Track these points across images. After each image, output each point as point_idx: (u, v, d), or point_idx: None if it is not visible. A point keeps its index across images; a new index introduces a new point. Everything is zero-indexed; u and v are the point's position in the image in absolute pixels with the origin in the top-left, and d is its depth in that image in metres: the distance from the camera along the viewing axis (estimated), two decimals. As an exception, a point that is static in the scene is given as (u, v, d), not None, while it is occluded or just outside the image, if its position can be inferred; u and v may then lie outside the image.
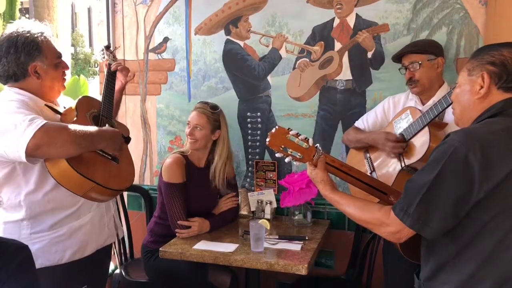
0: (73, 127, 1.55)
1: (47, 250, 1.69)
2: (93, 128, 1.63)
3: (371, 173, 2.19)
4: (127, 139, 1.91)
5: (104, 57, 2.11)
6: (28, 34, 1.65)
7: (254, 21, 2.73)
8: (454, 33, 2.41)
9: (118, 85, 2.08)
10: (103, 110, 1.86)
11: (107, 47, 2.14)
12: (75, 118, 1.70)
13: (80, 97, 1.84)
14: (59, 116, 1.73)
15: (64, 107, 1.82)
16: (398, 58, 2.20)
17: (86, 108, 1.80)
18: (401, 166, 2.01)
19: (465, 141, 1.19)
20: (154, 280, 2.47)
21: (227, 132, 2.51)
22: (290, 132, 1.50)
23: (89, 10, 18.50)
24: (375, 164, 2.19)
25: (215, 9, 2.78)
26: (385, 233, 1.32)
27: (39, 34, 1.68)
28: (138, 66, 2.98)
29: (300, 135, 1.51)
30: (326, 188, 1.50)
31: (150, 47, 2.95)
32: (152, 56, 2.96)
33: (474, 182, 1.17)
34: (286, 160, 1.52)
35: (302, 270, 1.96)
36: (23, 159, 1.48)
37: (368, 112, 2.39)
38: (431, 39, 2.31)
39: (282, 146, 1.50)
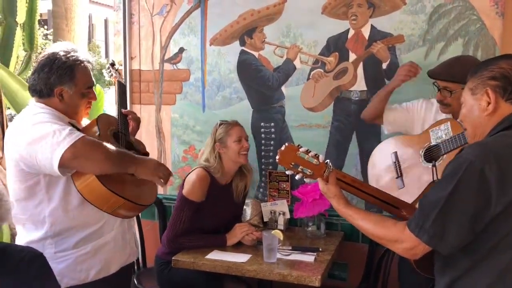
0: (109, 145, 1.57)
1: (73, 269, 1.68)
2: (129, 152, 1.65)
3: (397, 178, 2.13)
4: (145, 155, 1.91)
5: (112, 75, 2.11)
6: (66, 59, 1.67)
7: (269, 32, 2.74)
8: (471, 45, 2.39)
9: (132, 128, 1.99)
10: (121, 127, 1.86)
11: (112, 65, 2.14)
12: (97, 134, 1.72)
13: (99, 114, 1.86)
14: None
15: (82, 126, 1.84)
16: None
17: (107, 125, 1.81)
18: (433, 179, 1.95)
19: (480, 154, 1.17)
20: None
21: None
22: (300, 149, 1.49)
23: (105, 21, 18.80)
24: (403, 168, 2.12)
25: (230, 20, 2.80)
26: (399, 249, 1.30)
27: (78, 61, 1.70)
28: (154, 76, 3.01)
29: (310, 151, 1.50)
30: (339, 203, 1.48)
31: (166, 57, 2.98)
32: (167, 66, 2.99)
33: (491, 196, 1.14)
34: (297, 177, 1.51)
35: (316, 282, 1.93)
36: (55, 167, 1.49)
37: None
38: (475, 61, 2.03)
39: (292, 163, 1.48)
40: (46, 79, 1.66)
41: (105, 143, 1.58)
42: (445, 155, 1.97)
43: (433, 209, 1.20)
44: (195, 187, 2.35)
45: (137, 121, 1.98)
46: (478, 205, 1.16)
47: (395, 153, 2.18)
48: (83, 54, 1.75)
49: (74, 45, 1.79)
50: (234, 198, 2.50)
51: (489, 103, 1.27)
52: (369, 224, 1.39)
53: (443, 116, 2.08)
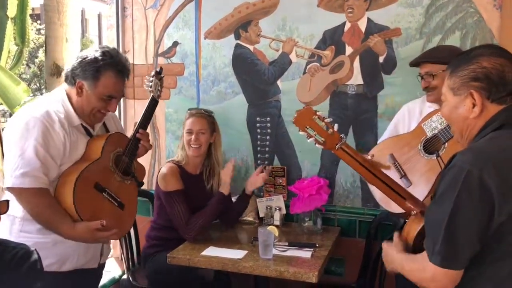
0: (46, 207, 1.65)
1: None
2: (62, 219, 1.66)
3: (401, 178, 2.10)
4: (140, 184, 1.92)
5: (150, 86, 1.99)
6: (99, 59, 1.71)
7: (264, 25, 2.71)
8: (468, 38, 2.37)
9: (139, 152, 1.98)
10: (128, 151, 1.86)
11: (158, 73, 1.99)
12: (99, 156, 1.75)
13: (113, 133, 1.85)
14: (88, 138, 1.80)
15: (105, 127, 1.90)
16: (415, 64, 2.14)
17: (114, 147, 1.82)
18: (441, 169, 1.92)
19: (476, 162, 1.12)
20: (154, 282, 2.43)
21: (220, 135, 2.55)
22: (317, 113, 1.52)
23: (99, 16, 18.67)
24: (404, 167, 2.11)
25: (225, 14, 2.76)
26: (426, 281, 1.20)
27: (110, 67, 1.72)
28: (147, 70, 2.96)
29: (326, 118, 1.53)
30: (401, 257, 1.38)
31: (160, 51, 2.94)
32: (161, 60, 2.95)
33: (493, 204, 1.10)
34: (309, 140, 1.54)
35: (313, 278, 1.92)
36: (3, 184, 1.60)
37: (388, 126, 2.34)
38: (452, 46, 2.22)
39: (307, 127, 1.52)
40: (74, 68, 1.75)
41: (44, 204, 1.65)
42: (446, 143, 1.96)
43: (439, 230, 1.14)
44: (169, 178, 2.37)
45: (147, 149, 1.97)
46: (483, 215, 1.11)
47: (391, 155, 2.16)
48: (123, 64, 1.77)
49: (125, 55, 1.84)
50: (207, 189, 2.50)
51: (474, 105, 1.23)
52: (406, 261, 1.31)
53: (428, 110, 2.07)
